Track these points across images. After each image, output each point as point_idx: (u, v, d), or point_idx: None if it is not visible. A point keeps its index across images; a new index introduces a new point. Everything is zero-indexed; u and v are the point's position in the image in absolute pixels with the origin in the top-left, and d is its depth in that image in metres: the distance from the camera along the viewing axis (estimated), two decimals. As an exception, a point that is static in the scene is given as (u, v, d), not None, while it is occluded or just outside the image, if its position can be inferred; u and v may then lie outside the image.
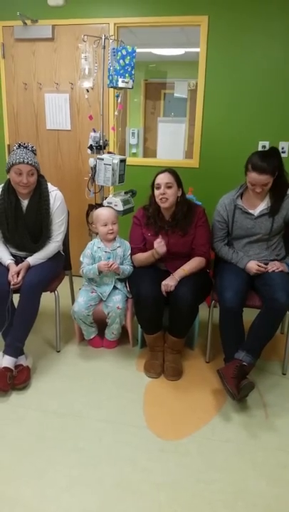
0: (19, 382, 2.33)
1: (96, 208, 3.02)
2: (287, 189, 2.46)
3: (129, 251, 2.71)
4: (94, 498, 1.69)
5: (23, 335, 2.43)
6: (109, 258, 2.65)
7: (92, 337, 2.80)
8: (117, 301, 2.62)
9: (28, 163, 2.39)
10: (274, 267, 2.44)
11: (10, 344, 2.39)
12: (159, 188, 2.50)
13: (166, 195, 2.48)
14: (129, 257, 2.71)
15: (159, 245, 2.45)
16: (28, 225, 2.53)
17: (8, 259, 2.51)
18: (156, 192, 2.51)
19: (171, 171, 2.54)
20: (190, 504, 1.67)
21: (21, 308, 2.41)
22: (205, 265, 2.59)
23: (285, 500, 1.70)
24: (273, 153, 2.39)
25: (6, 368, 2.32)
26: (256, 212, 2.49)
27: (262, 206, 2.48)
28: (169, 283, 2.43)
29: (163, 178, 2.49)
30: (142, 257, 2.61)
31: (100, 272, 2.62)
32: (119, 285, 2.70)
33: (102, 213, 2.67)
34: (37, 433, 2.04)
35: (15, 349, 2.39)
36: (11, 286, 2.39)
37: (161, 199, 2.49)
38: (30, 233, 2.54)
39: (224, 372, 2.20)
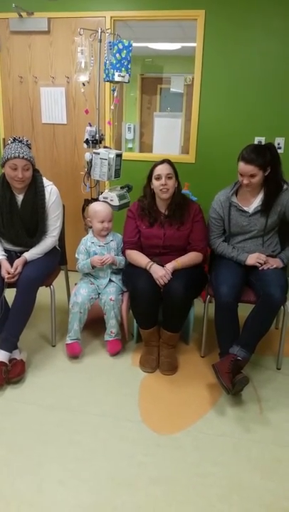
0: (13, 376, 2.32)
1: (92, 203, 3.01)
2: (282, 186, 2.46)
3: (122, 244, 2.73)
4: (89, 493, 1.69)
5: (17, 330, 2.43)
6: (103, 253, 2.66)
7: (73, 341, 2.63)
8: (110, 293, 2.62)
9: (23, 157, 2.37)
10: (268, 264, 2.45)
11: (4, 339, 2.39)
12: (159, 178, 2.50)
13: (167, 186, 2.49)
14: (122, 248, 2.73)
15: (160, 277, 2.42)
16: (23, 220, 2.52)
17: (0, 255, 2.51)
18: (157, 183, 2.51)
19: (170, 161, 2.54)
20: (185, 498, 1.68)
21: (17, 303, 2.40)
22: (201, 261, 2.59)
23: (279, 493, 1.71)
24: (267, 148, 2.38)
25: (1, 363, 2.32)
26: (251, 209, 2.49)
27: (256, 203, 2.49)
28: (161, 273, 2.42)
29: (163, 169, 2.50)
30: (136, 258, 2.58)
31: (93, 267, 2.63)
32: (114, 278, 2.71)
33: (101, 210, 2.66)
34: (32, 427, 2.04)
35: (10, 344, 2.40)
36: (5, 280, 2.38)
37: (161, 190, 2.50)
38: (25, 228, 2.53)
39: (219, 367, 2.21)
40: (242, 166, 2.36)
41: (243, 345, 2.27)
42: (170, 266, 2.47)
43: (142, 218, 2.63)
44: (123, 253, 2.70)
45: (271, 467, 1.84)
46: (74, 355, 2.62)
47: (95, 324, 2.84)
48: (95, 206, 2.70)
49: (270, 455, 1.91)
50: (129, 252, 2.64)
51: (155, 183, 2.52)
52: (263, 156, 2.34)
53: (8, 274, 2.40)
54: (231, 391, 2.14)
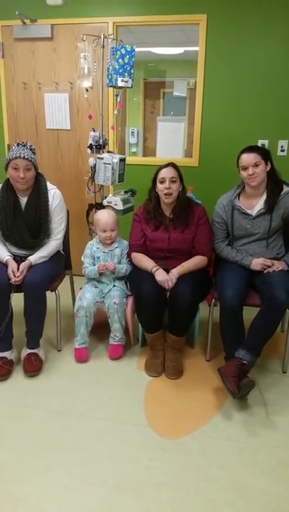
0: (29, 370, 2.47)
1: (96, 208, 3.02)
2: (282, 185, 2.48)
3: (127, 250, 2.73)
4: (95, 497, 1.69)
5: (36, 329, 2.54)
6: (107, 260, 2.68)
7: (82, 346, 2.66)
8: (114, 297, 2.63)
9: (24, 157, 2.42)
10: (274, 267, 2.44)
11: (28, 339, 2.55)
12: (163, 182, 2.51)
13: (170, 190, 2.50)
14: (127, 255, 2.73)
15: (164, 280, 2.42)
16: (27, 223, 2.55)
17: (6, 256, 2.53)
18: (161, 186, 2.52)
19: (174, 165, 2.56)
20: (191, 502, 1.68)
21: (27, 307, 2.45)
22: (206, 264, 2.59)
23: (286, 497, 1.70)
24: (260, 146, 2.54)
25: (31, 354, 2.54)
26: (254, 212, 2.49)
27: (259, 206, 2.49)
28: (165, 278, 2.43)
29: (167, 173, 2.51)
30: (141, 261, 2.59)
31: (100, 273, 2.66)
32: (117, 283, 2.72)
33: (102, 219, 2.66)
34: (38, 432, 2.04)
35: (31, 342, 2.55)
36: (12, 281, 2.41)
37: (165, 194, 2.50)
38: (29, 230, 2.56)
39: (225, 371, 2.20)
40: (245, 156, 2.41)
41: (249, 348, 2.26)
42: (176, 272, 2.47)
43: (148, 222, 2.64)
44: (129, 255, 2.71)
45: (277, 471, 1.83)
46: (81, 361, 2.63)
47: (100, 328, 2.84)
48: (97, 215, 2.71)
49: (277, 459, 1.90)
50: (135, 254, 2.65)
51: (159, 187, 2.53)
52: (260, 148, 2.46)
53: (14, 275, 2.43)
54: (237, 395, 2.13)
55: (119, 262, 2.72)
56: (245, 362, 2.22)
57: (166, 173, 2.51)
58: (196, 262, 2.54)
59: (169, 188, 2.49)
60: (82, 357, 2.64)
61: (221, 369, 2.23)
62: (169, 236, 2.57)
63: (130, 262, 2.72)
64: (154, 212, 2.61)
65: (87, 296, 2.63)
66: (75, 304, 2.68)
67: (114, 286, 2.70)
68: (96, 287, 2.70)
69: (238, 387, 2.12)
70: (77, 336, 2.65)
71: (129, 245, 2.72)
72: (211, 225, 2.65)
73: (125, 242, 2.76)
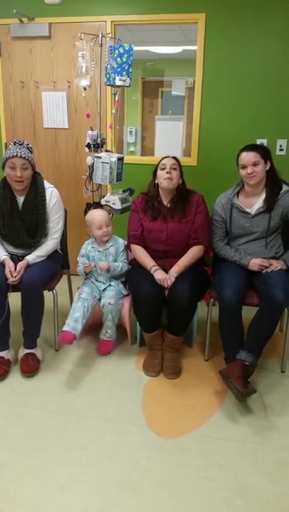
0: (26, 370, 2.47)
1: (94, 207, 3.01)
2: (281, 184, 2.48)
3: (122, 247, 2.73)
4: (94, 497, 1.68)
5: (33, 329, 2.53)
6: (101, 259, 2.68)
7: (69, 329, 2.41)
8: (109, 297, 2.62)
9: (21, 156, 2.41)
10: (272, 267, 2.44)
11: (25, 339, 2.56)
12: (164, 168, 2.53)
13: (171, 175, 2.51)
14: (122, 253, 2.72)
15: (163, 279, 2.43)
16: (24, 222, 2.54)
17: (3, 255, 2.52)
18: (161, 172, 2.54)
19: (176, 158, 2.59)
20: (190, 502, 1.67)
21: (24, 306, 2.44)
22: (203, 253, 2.59)
23: (285, 497, 1.70)
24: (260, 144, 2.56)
25: (28, 354, 2.54)
26: (253, 210, 2.49)
27: (258, 204, 2.48)
28: (164, 277, 2.43)
29: (169, 161, 2.55)
30: (141, 256, 2.59)
31: (86, 273, 2.68)
32: (113, 282, 2.71)
33: (96, 217, 2.65)
34: (37, 432, 2.03)
35: (28, 342, 2.56)
36: (8, 281, 2.40)
37: (165, 178, 2.51)
38: (26, 229, 2.55)
39: (229, 373, 2.17)
40: (244, 155, 2.41)
41: (250, 350, 2.25)
42: (174, 271, 2.46)
43: (146, 212, 2.63)
44: (128, 246, 2.70)
45: (277, 471, 1.83)
46: (64, 342, 2.39)
47: (97, 329, 2.83)
48: (90, 215, 2.70)
49: (276, 458, 1.90)
50: (134, 246, 2.64)
51: (160, 173, 2.55)
52: (261, 147, 2.45)
53: (11, 275, 2.42)
54: (245, 395, 2.11)
55: (115, 261, 2.71)
56: (247, 363, 2.21)
57: (167, 161, 2.55)
58: (192, 255, 2.54)
59: (169, 172, 2.51)
60: (65, 338, 2.36)
61: (224, 371, 2.21)
62: (167, 226, 2.56)
63: (127, 260, 2.72)
64: (153, 201, 2.61)
65: (85, 289, 2.64)
66: (77, 294, 2.66)
67: (109, 285, 2.69)
68: (93, 284, 2.70)
69: (245, 388, 2.11)
70: (69, 319, 2.46)
71: (127, 236, 2.71)
72: (210, 215, 2.65)
73: (120, 240, 2.75)
